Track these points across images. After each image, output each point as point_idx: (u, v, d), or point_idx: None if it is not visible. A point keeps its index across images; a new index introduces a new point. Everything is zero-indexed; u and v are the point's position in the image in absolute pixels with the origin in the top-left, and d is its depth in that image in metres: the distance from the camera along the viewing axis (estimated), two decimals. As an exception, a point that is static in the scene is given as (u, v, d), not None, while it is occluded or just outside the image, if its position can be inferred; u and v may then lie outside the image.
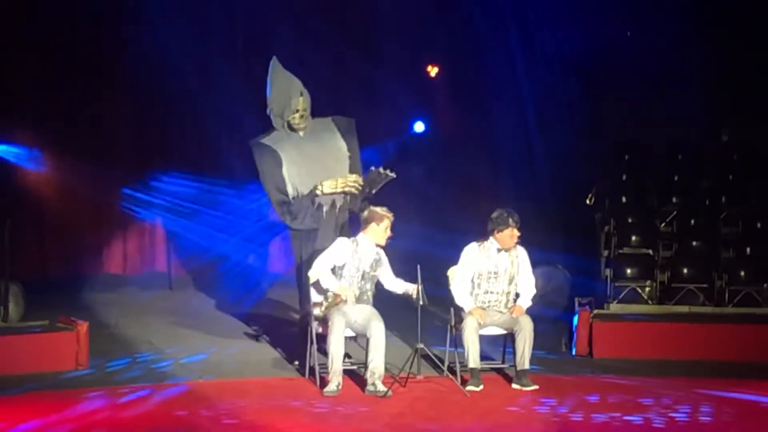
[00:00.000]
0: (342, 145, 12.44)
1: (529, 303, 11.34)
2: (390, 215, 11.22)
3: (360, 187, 12.09)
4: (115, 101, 17.11)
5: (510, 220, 11.16)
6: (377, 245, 11.24)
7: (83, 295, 16.39)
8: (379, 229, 11.16)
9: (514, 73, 17.64)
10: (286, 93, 12.38)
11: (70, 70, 16.49)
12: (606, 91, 17.72)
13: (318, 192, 12.11)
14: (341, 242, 11.23)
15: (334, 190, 12.10)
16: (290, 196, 12.19)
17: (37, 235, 16.89)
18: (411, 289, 11.13)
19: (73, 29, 16.56)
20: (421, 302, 10.98)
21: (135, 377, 11.63)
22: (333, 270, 11.14)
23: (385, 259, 11.31)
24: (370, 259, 11.19)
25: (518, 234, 11.21)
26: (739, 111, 17.72)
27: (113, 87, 17.01)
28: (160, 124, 17.50)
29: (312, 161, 12.29)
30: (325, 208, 12.17)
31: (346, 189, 12.09)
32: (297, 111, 12.32)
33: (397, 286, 11.30)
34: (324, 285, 11.12)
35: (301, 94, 12.35)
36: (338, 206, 12.14)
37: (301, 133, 12.42)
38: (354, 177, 12.15)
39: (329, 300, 10.99)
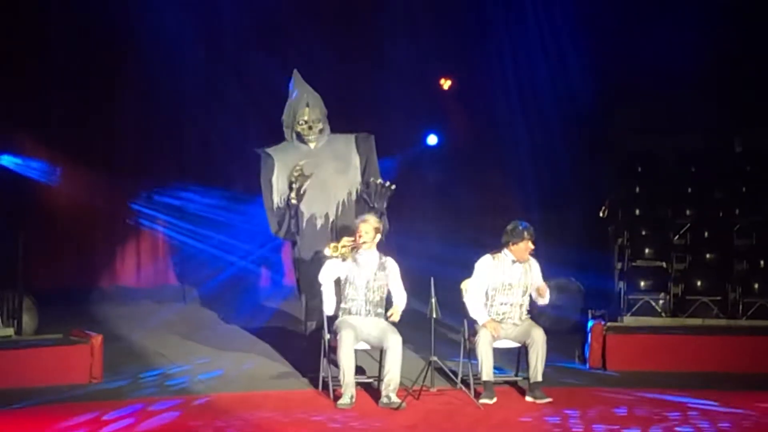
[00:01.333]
0: (354, 158, 12.48)
1: (546, 302, 11.44)
2: (365, 219, 11.26)
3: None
4: (129, 114, 17.15)
5: (525, 233, 11.20)
6: (381, 254, 11.30)
7: (97, 308, 16.41)
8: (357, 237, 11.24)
9: (525, 85, 17.63)
10: (295, 104, 12.50)
11: (84, 83, 16.54)
12: (618, 101, 17.69)
13: (293, 201, 12.13)
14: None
15: (294, 198, 12.12)
16: (275, 204, 12.28)
17: (51, 248, 16.90)
18: (392, 309, 11.15)
19: (86, 44, 16.57)
20: (434, 315, 11.00)
21: (149, 390, 11.63)
22: (339, 282, 11.22)
23: (391, 267, 11.31)
24: (372, 267, 11.21)
25: (533, 247, 11.24)
26: (753, 121, 17.69)
27: (128, 100, 17.05)
28: (175, 137, 17.55)
29: (313, 170, 12.31)
30: (319, 222, 12.16)
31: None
32: (305, 122, 12.40)
33: (395, 295, 11.29)
34: (324, 299, 11.27)
35: (308, 105, 12.42)
36: (331, 219, 12.12)
37: (311, 145, 12.48)
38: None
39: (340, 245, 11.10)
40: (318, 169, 12.35)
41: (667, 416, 10.46)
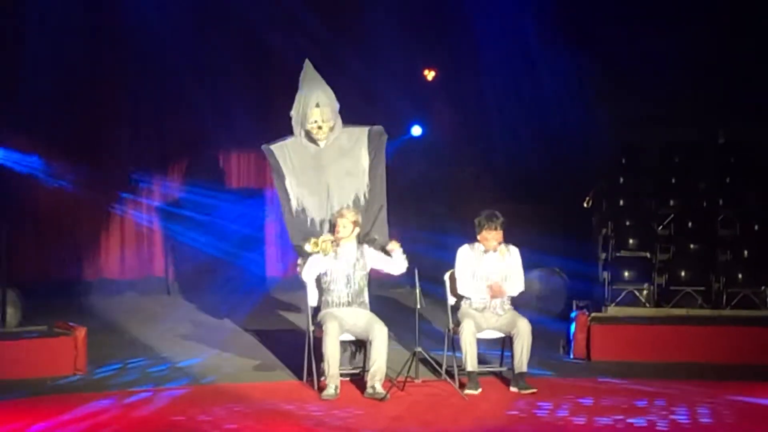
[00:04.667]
0: (363, 156, 11.97)
1: (513, 293, 11.42)
2: (337, 214, 11.32)
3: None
4: (113, 106, 17.10)
5: (485, 222, 11.24)
6: (358, 243, 11.33)
7: (81, 300, 16.39)
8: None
9: (509, 75, 17.62)
10: (305, 103, 11.87)
11: (68, 74, 16.45)
12: (603, 93, 17.69)
13: (313, 215, 11.85)
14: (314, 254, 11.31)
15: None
16: (293, 209, 11.83)
17: (35, 239, 16.87)
18: (391, 251, 11.24)
19: (71, 33, 16.47)
20: (418, 306, 11.01)
21: (133, 382, 11.61)
22: (320, 278, 11.26)
23: (369, 252, 11.33)
24: (351, 259, 11.24)
25: (497, 234, 11.25)
26: (736, 112, 17.71)
27: (112, 92, 17.00)
28: (159, 130, 17.52)
29: (319, 173, 11.91)
30: (318, 223, 11.92)
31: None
32: (315, 123, 11.80)
33: (389, 261, 11.30)
34: (308, 292, 11.38)
35: (317, 105, 11.77)
36: (325, 222, 11.89)
37: (321, 143, 11.91)
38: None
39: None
40: (323, 171, 11.91)
41: (651, 406, 10.49)
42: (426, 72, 18.19)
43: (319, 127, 11.84)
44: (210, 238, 17.30)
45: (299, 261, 11.43)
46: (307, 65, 12.17)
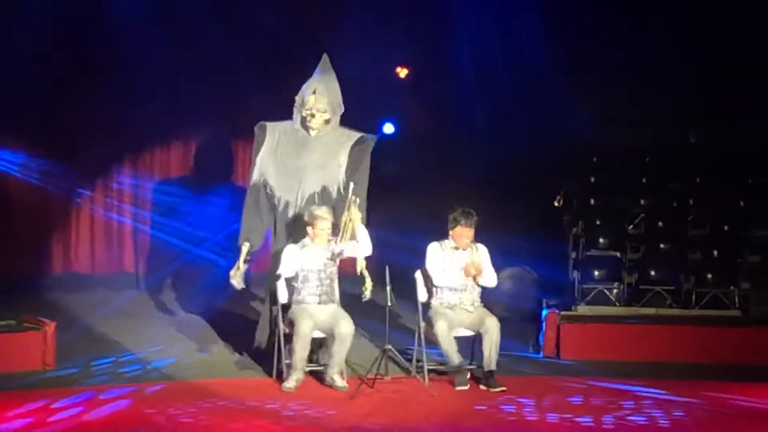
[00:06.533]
0: (342, 153, 12.11)
1: (488, 284, 11.50)
2: (317, 217, 11.25)
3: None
4: (85, 100, 16.99)
5: (461, 218, 11.30)
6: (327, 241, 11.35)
7: (51, 294, 16.31)
8: (311, 231, 11.27)
9: (482, 74, 17.63)
10: (306, 89, 12.17)
11: (38, 69, 16.35)
12: (574, 91, 17.73)
13: (280, 194, 11.99)
14: (287, 249, 11.37)
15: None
16: (252, 181, 12.10)
17: (4, 234, 16.77)
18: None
19: (50, 28, 16.37)
20: (389, 303, 11.02)
21: (102, 378, 11.59)
22: (297, 275, 11.27)
23: (340, 245, 11.30)
24: (321, 258, 11.25)
25: (470, 232, 11.31)
26: (708, 112, 17.79)
27: (85, 87, 16.89)
28: (130, 124, 17.41)
29: (297, 160, 12.07)
30: (291, 211, 11.99)
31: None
32: (309, 110, 12.03)
33: (356, 245, 11.34)
34: (279, 289, 11.41)
35: (314, 93, 12.05)
36: (293, 210, 11.94)
37: (312, 132, 12.11)
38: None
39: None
40: (301, 158, 12.08)
41: (621, 405, 10.54)
42: (399, 70, 18.18)
43: (312, 115, 12.06)
44: (181, 233, 17.25)
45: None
46: (324, 58, 12.42)
